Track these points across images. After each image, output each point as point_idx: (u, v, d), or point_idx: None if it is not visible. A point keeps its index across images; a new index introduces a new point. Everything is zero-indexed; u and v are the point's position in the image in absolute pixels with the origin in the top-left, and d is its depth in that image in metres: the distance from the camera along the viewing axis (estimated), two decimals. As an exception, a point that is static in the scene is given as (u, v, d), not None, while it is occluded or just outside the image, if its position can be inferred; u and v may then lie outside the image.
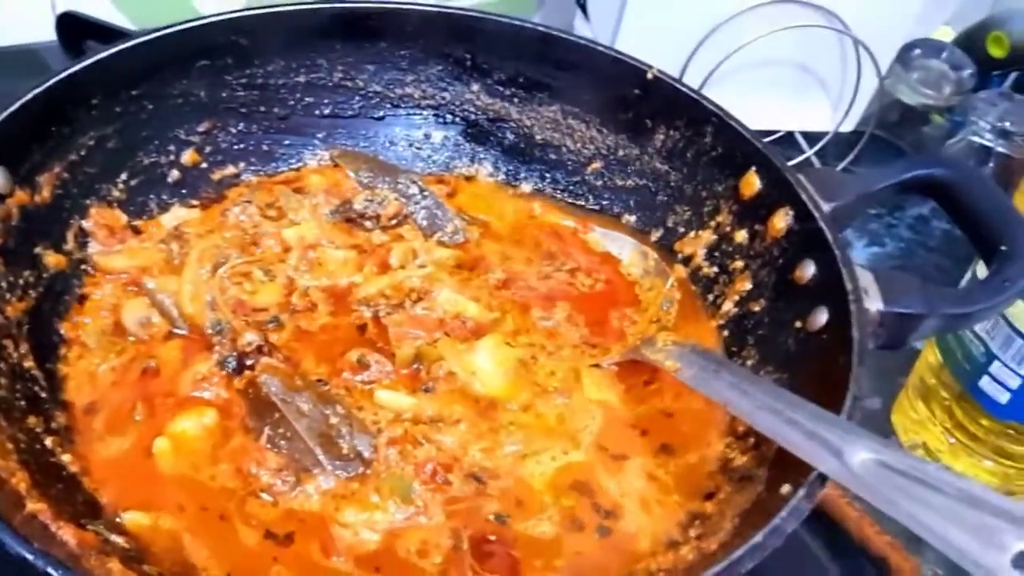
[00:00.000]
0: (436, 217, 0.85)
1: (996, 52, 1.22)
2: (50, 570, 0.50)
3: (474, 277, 0.82)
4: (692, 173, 0.83)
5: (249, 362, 0.71)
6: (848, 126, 1.16)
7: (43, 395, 0.69)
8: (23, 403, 0.66)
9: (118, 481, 0.65)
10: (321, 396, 0.70)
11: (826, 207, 0.71)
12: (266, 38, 0.84)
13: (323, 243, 0.80)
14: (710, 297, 0.80)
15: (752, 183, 0.77)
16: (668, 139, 0.84)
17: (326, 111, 0.89)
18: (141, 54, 0.78)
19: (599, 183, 0.89)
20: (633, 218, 0.88)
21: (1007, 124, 1.09)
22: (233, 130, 0.86)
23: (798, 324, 0.70)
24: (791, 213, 0.73)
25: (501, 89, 0.89)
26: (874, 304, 0.65)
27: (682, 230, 0.84)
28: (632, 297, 0.84)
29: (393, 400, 0.71)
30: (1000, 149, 1.08)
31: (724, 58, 1.04)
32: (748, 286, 0.77)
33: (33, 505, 0.58)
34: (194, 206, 0.84)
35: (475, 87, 0.90)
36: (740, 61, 1.05)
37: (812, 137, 1.17)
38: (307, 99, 0.88)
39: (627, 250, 0.86)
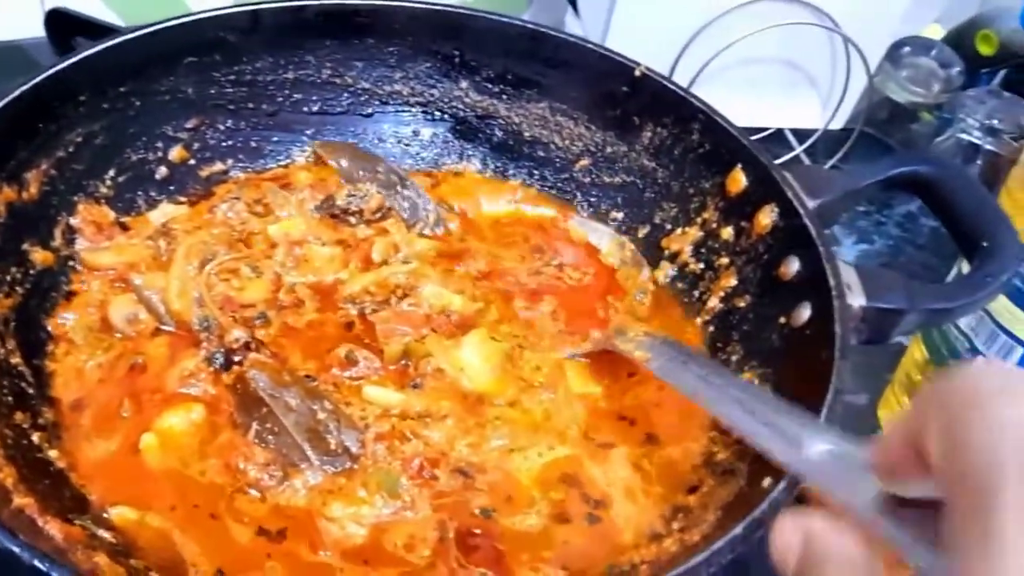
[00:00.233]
0: (417, 207, 0.85)
1: (985, 50, 1.22)
2: (36, 563, 0.50)
3: (456, 268, 0.82)
4: (679, 170, 0.83)
5: (236, 358, 0.71)
6: (837, 123, 1.17)
7: (30, 391, 0.69)
8: (10, 399, 0.66)
9: (105, 477, 0.66)
10: (309, 391, 0.70)
11: (811, 204, 0.72)
12: (254, 35, 0.84)
13: (309, 239, 0.80)
14: (696, 293, 0.81)
15: (738, 180, 0.78)
16: (655, 136, 0.84)
17: (314, 108, 0.89)
18: (129, 51, 0.78)
19: (587, 180, 0.89)
20: (620, 215, 0.88)
21: (995, 122, 1.09)
22: (221, 127, 0.86)
23: (782, 320, 0.70)
24: (776, 210, 0.74)
25: (490, 86, 0.90)
26: (857, 300, 0.65)
27: (669, 227, 0.84)
28: (616, 284, 0.85)
29: (381, 396, 0.71)
30: (988, 147, 1.09)
31: (714, 55, 1.04)
32: (733, 282, 0.77)
33: (20, 500, 0.58)
34: (182, 203, 0.84)
35: (464, 84, 0.90)
36: (730, 58, 1.05)
37: (801, 134, 1.18)
38: (295, 96, 0.88)
39: (605, 240, 0.87)
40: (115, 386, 0.71)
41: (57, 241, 0.76)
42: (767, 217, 0.74)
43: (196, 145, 0.86)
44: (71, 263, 0.77)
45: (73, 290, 0.76)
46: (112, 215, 0.80)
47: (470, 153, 0.92)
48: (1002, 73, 1.26)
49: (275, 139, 0.89)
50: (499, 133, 0.91)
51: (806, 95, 1.16)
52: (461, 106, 0.91)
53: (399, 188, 0.85)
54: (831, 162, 1.16)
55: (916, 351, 0.88)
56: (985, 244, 0.68)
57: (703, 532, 0.58)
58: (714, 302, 0.79)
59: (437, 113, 0.92)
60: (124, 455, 0.67)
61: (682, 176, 0.83)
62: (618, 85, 0.84)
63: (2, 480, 0.58)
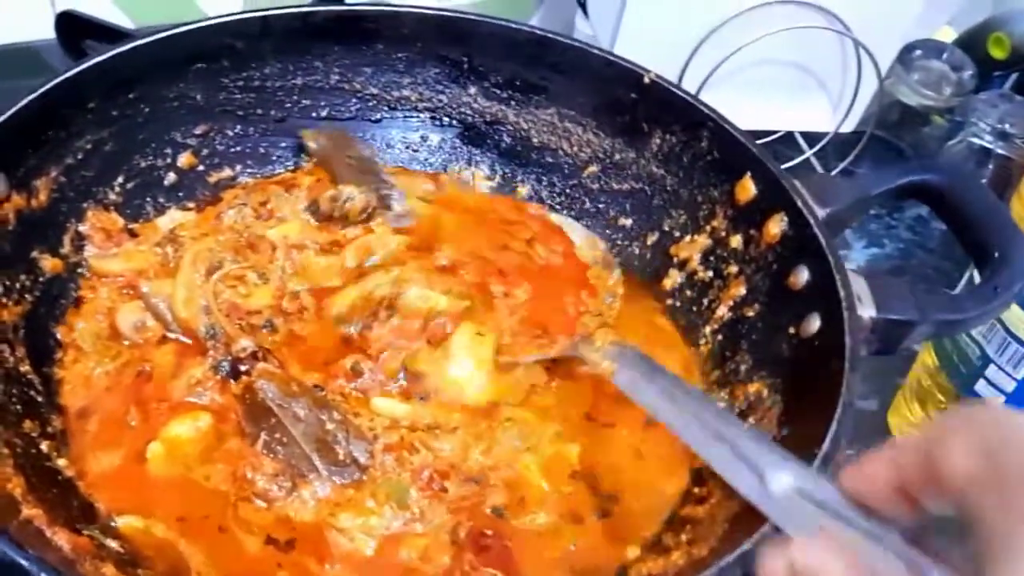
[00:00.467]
0: (388, 198, 0.84)
1: (997, 53, 1.21)
2: (44, 576, 0.50)
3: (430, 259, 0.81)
4: (688, 177, 0.83)
5: (243, 368, 0.71)
6: (848, 127, 1.16)
7: (39, 399, 0.69)
8: (19, 407, 0.66)
9: (112, 486, 0.66)
10: (318, 402, 0.70)
11: (821, 213, 0.71)
12: (263, 41, 0.84)
13: (307, 243, 0.80)
14: (705, 301, 0.80)
15: (747, 188, 0.77)
16: (664, 143, 0.84)
17: (323, 113, 0.89)
18: (137, 58, 0.78)
19: (595, 186, 0.89)
20: (629, 221, 0.87)
21: (1007, 126, 1.08)
22: (230, 133, 0.86)
23: (792, 330, 0.70)
24: (786, 219, 0.73)
25: (498, 92, 0.89)
26: (867, 311, 0.65)
27: (678, 234, 0.84)
28: (586, 280, 0.84)
29: (389, 407, 0.71)
30: (1000, 151, 1.08)
31: (724, 58, 1.04)
32: (743, 291, 0.77)
33: (28, 510, 0.58)
34: (190, 209, 0.84)
35: (472, 90, 0.90)
36: (740, 61, 1.04)
37: (812, 138, 1.17)
38: (304, 102, 0.88)
39: (579, 235, 0.87)
40: (122, 394, 0.71)
41: (66, 248, 0.76)
42: (776, 226, 0.74)
43: (205, 151, 0.86)
44: (80, 270, 0.77)
45: (82, 297, 0.76)
46: (121, 222, 0.80)
47: (478, 159, 0.92)
48: (1014, 76, 1.25)
49: (283, 144, 0.89)
50: (507, 139, 0.91)
51: (817, 98, 1.15)
52: (469, 112, 0.91)
53: (370, 177, 0.84)
54: (842, 166, 1.16)
55: (927, 357, 0.87)
56: (996, 254, 0.67)
57: (711, 546, 0.58)
58: (723, 311, 0.78)
59: (445, 119, 0.91)
60: (131, 464, 0.67)
61: (691, 183, 0.83)
62: (626, 91, 0.84)
63: (11, 491, 0.58)
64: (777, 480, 0.50)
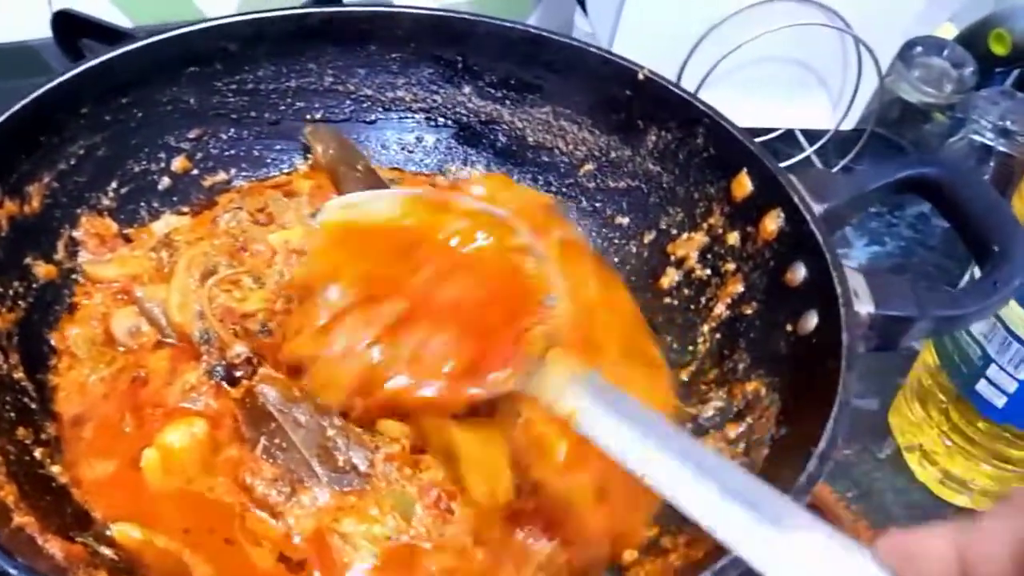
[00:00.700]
0: None
1: (998, 49, 1.20)
2: (35, 585, 0.50)
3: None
4: (684, 174, 0.82)
5: (238, 374, 0.71)
6: (848, 124, 1.15)
7: (33, 406, 0.68)
8: (12, 415, 0.66)
9: (108, 494, 0.65)
10: (319, 407, 0.69)
11: (818, 209, 0.71)
12: (256, 44, 0.83)
13: (307, 249, 0.79)
14: (702, 300, 0.80)
15: (744, 184, 0.76)
16: (660, 140, 0.83)
17: (317, 115, 0.89)
18: (130, 62, 0.77)
19: (592, 185, 0.88)
20: (626, 220, 0.87)
21: (1008, 123, 1.07)
22: (224, 136, 0.86)
23: (789, 327, 0.69)
24: (782, 215, 0.72)
25: (493, 91, 0.89)
26: (865, 307, 0.64)
27: (675, 232, 0.83)
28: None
29: (393, 427, 0.70)
30: (1001, 148, 1.07)
31: (723, 56, 1.03)
32: (740, 288, 0.76)
33: (20, 518, 0.58)
34: (185, 213, 0.84)
35: (467, 89, 0.89)
36: (740, 58, 1.04)
37: (812, 135, 1.16)
38: (298, 104, 0.88)
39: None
40: (117, 400, 0.70)
41: (60, 254, 0.76)
42: (773, 222, 0.73)
43: (199, 155, 0.85)
44: (74, 276, 0.76)
45: (76, 303, 0.76)
46: (115, 227, 0.79)
47: (474, 159, 0.91)
48: (1016, 73, 1.24)
49: (278, 147, 0.88)
50: (503, 138, 0.90)
51: (817, 96, 1.15)
52: (464, 111, 0.90)
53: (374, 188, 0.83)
54: (842, 163, 1.15)
55: (928, 356, 0.86)
56: (996, 249, 0.66)
57: (707, 547, 0.57)
58: (720, 308, 0.77)
59: (440, 119, 0.91)
60: (126, 471, 0.66)
61: (687, 180, 0.82)
62: (621, 89, 0.83)
63: (3, 498, 0.58)
64: (798, 539, 0.42)
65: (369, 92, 0.89)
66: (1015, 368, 0.77)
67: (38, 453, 0.65)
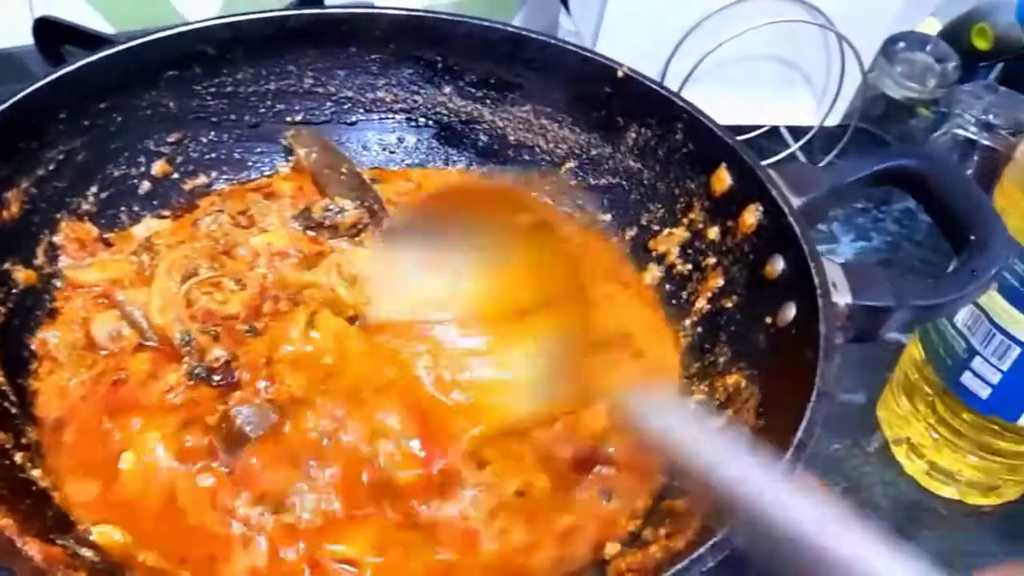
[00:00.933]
0: (379, 214, 0.83)
1: (981, 44, 1.20)
2: (11, 586, 0.50)
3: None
4: (664, 171, 0.82)
5: (217, 377, 0.71)
6: (833, 120, 1.15)
7: (13, 411, 0.68)
8: (-8, 420, 0.66)
9: (89, 497, 0.65)
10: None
11: (796, 201, 0.71)
12: (235, 47, 0.83)
13: (290, 252, 0.79)
14: (683, 295, 0.80)
15: (723, 179, 0.76)
16: (640, 137, 0.83)
17: (298, 118, 0.89)
18: (108, 67, 0.77)
19: (573, 183, 0.88)
20: (608, 217, 0.87)
21: (991, 117, 1.07)
22: (204, 139, 0.86)
23: (768, 319, 0.69)
24: (760, 208, 0.72)
25: (473, 91, 0.89)
26: (843, 298, 0.64)
27: (656, 228, 0.83)
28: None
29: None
30: (984, 142, 1.07)
31: (706, 53, 1.03)
32: (720, 282, 0.76)
33: (-1, 521, 0.57)
34: (165, 217, 0.83)
35: (447, 89, 0.89)
36: (723, 56, 1.04)
37: (797, 132, 1.16)
38: (278, 106, 0.88)
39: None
40: (97, 404, 0.70)
41: (40, 259, 0.76)
42: (752, 216, 0.73)
43: (179, 159, 0.85)
44: (54, 281, 0.76)
45: (56, 308, 0.75)
46: (95, 231, 0.79)
47: (455, 159, 0.91)
48: (999, 67, 1.25)
49: (258, 150, 0.88)
50: (484, 138, 0.91)
51: (801, 92, 1.15)
52: (445, 111, 0.90)
53: (361, 193, 0.84)
54: (827, 159, 1.15)
55: (914, 350, 0.86)
56: (973, 238, 0.66)
57: (688, 538, 0.57)
58: (701, 303, 0.78)
59: (421, 119, 0.91)
60: (106, 474, 0.66)
61: (668, 177, 0.82)
62: (601, 86, 0.83)
63: (-19, 503, 0.58)
64: None
65: (349, 93, 0.89)
66: (999, 359, 0.77)
67: (18, 457, 0.65)
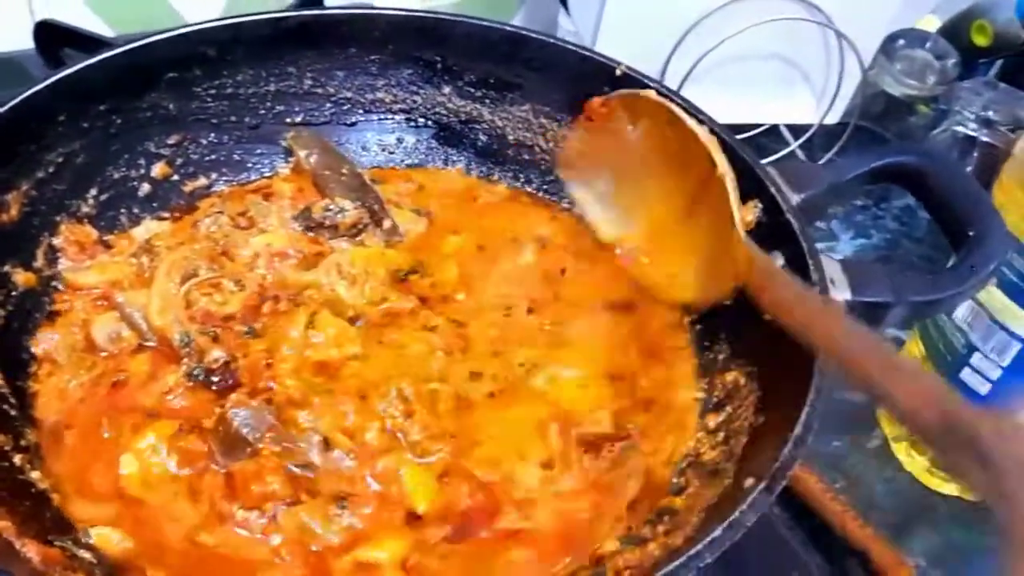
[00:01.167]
0: (379, 214, 0.83)
1: (980, 41, 1.20)
2: (8, 588, 0.50)
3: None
4: (664, 169, 0.82)
5: (216, 378, 0.71)
6: (833, 118, 1.15)
7: (13, 413, 0.68)
8: (-8, 422, 0.66)
9: (87, 497, 0.65)
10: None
11: (795, 199, 0.71)
12: (234, 48, 0.83)
13: (290, 252, 0.79)
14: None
15: (722, 177, 0.76)
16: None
17: (297, 119, 0.89)
18: (107, 70, 0.78)
19: (571, 180, 0.88)
20: (609, 217, 0.87)
21: (990, 113, 1.07)
22: (204, 141, 0.86)
23: (768, 316, 0.69)
24: (760, 206, 0.72)
25: (472, 90, 0.89)
26: (842, 294, 0.64)
27: (656, 227, 0.83)
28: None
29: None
30: (984, 138, 1.07)
31: (706, 52, 1.03)
32: (720, 280, 0.76)
33: (-2, 523, 0.58)
34: (165, 218, 0.84)
35: (446, 89, 0.89)
36: (723, 55, 1.04)
37: (797, 130, 1.16)
38: (278, 107, 0.88)
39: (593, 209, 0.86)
40: (97, 405, 0.70)
41: (39, 262, 0.76)
42: (751, 213, 0.73)
43: (179, 160, 0.85)
44: (54, 283, 0.76)
45: (56, 310, 0.75)
46: (95, 234, 0.79)
47: (455, 159, 0.92)
48: (998, 64, 1.25)
49: (258, 151, 0.88)
50: (483, 137, 0.91)
51: (801, 90, 1.15)
52: (444, 111, 0.90)
53: (362, 194, 0.84)
54: (827, 156, 1.15)
55: (914, 347, 0.86)
56: (972, 233, 0.66)
57: (686, 535, 0.57)
58: (701, 301, 0.77)
59: (421, 119, 0.91)
60: (105, 475, 0.66)
61: (668, 176, 0.82)
62: (599, 85, 0.83)
63: (-20, 505, 0.58)
64: None
65: (349, 94, 0.89)
66: (998, 355, 0.77)
67: (17, 459, 0.65)
